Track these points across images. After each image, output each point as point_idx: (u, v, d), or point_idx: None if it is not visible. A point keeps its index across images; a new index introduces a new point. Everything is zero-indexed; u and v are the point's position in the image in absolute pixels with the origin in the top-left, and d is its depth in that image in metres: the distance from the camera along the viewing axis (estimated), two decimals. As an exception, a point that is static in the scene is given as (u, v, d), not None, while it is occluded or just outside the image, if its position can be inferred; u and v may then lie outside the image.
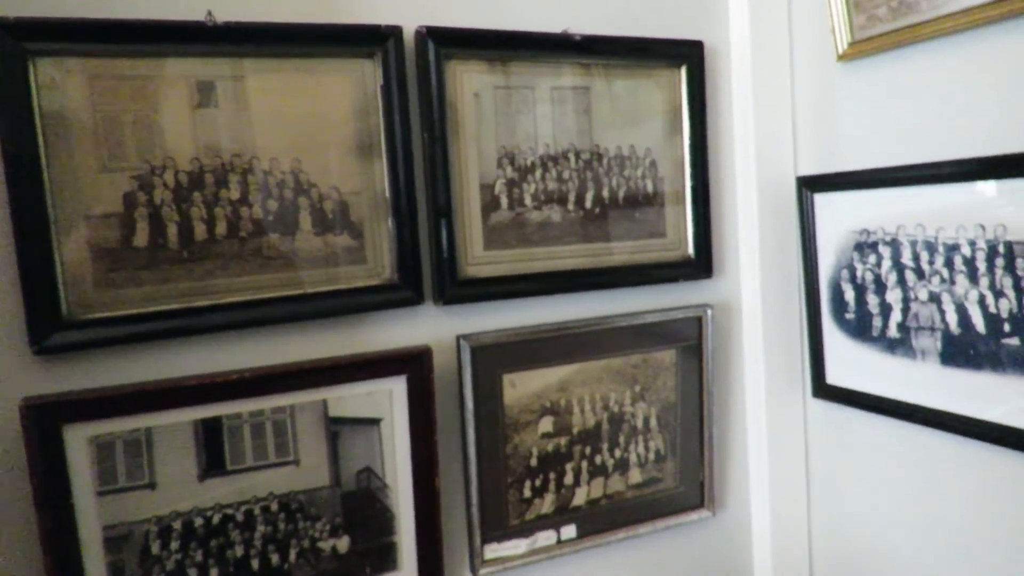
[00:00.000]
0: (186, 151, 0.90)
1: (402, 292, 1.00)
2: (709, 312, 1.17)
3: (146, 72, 0.88)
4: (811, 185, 1.14)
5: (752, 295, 1.21)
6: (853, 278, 1.09)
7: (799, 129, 1.18)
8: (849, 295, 1.10)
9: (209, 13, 0.89)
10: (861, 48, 1.06)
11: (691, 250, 1.18)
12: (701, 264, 1.19)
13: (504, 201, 1.06)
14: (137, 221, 0.89)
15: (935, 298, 0.96)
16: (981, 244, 0.90)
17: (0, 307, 0.83)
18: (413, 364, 0.99)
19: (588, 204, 1.11)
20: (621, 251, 1.14)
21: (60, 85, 0.84)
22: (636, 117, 1.13)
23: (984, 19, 0.91)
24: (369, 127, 0.98)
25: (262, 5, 0.92)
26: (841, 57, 1.09)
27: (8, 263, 0.82)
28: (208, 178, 0.91)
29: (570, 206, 1.10)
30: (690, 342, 1.17)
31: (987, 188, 0.89)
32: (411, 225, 1.00)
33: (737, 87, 1.19)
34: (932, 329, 0.97)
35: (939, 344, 0.96)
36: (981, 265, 0.90)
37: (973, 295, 0.91)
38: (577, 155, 1.10)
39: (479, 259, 1.05)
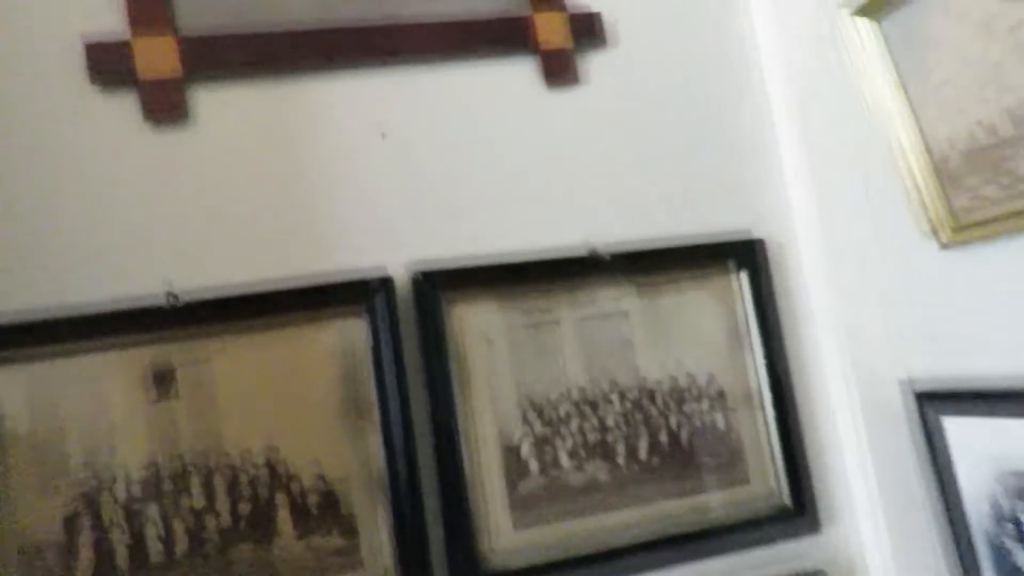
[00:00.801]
0: (140, 455, 0.84)
1: (408, 603, 0.87)
2: (823, 584, 0.98)
3: (94, 370, 0.84)
4: (936, 404, 0.97)
5: (879, 552, 1.02)
6: (1022, 537, 0.89)
7: (902, 332, 1.04)
8: (1023, 559, 0.90)
9: (169, 293, 0.86)
10: (968, 235, 0.94)
11: (786, 497, 1.02)
12: (801, 515, 1.01)
13: (534, 465, 0.95)
14: (80, 549, 0.81)
15: None
16: None
17: None
18: None
19: (643, 454, 0.98)
20: (693, 510, 0.98)
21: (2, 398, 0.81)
22: (691, 338, 1.02)
23: None
24: (358, 396, 0.90)
25: (226, 270, 0.88)
26: (944, 245, 0.97)
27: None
28: (166, 485, 0.84)
29: (620, 460, 0.97)
30: (803, 630, 0.97)
31: None
32: (416, 512, 0.89)
33: (814, 287, 1.07)
34: None
35: None
36: None
37: None
38: (622, 395, 0.99)
39: (508, 545, 0.92)
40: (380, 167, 0.95)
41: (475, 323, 0.94)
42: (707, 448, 0.98)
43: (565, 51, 1.03)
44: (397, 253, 0.93)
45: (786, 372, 1.02)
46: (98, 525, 0.81)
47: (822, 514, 1.01)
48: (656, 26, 1.07)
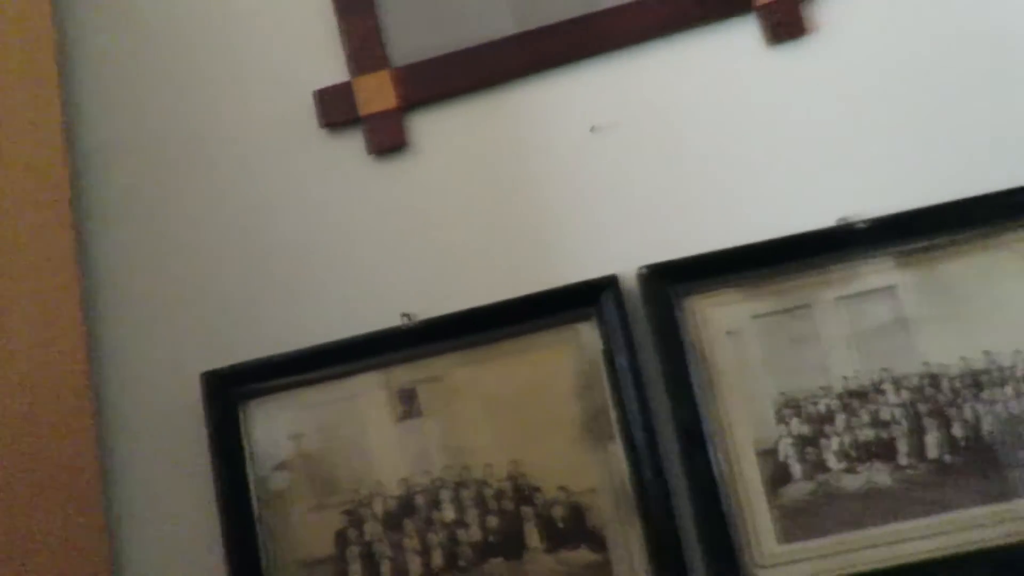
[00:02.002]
0: (394, 472, 1.06)
1: (670, 621, 1.00)
2: None
3: (346, 392, 1.11)
4: None
5: None
6: None
7: None
8: None
9: (406, 315, 1.12)
10: None
11: None
12: None
13: (796, 468, 1.03)
14: (349, 563, 1.07)
15: None
16: None
17: None
18: None
19: (932, 452, 1.01)
20: (1006, 518, 1.01)
21: (268, 425, 1.11)
22: (985, 310, 1.04)
23: None
24: (596, 404, 1.06)
25: (461, 293, 1.10)
26: None
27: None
28: (419, 500, 1.07)
29: (902, 459, 1.02)
30: None
31: None
32: (668, 525, 1.01)
33: None
34: None
35: None
36: None
37: None
38: (897, 384, 1.04)
39: (773, 559, 1.00)
40: (596, 166, 1.11)
41: (714, 315, 1.06)
42: (1020, 442, 1.01)
43: (787, 1, 1.14)
44: (627, 254, 1.06)
45: None
46: (362, 540, 1.06)
47: None
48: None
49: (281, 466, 1.02)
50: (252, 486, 1.02)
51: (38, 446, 0.93)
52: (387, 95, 1.08)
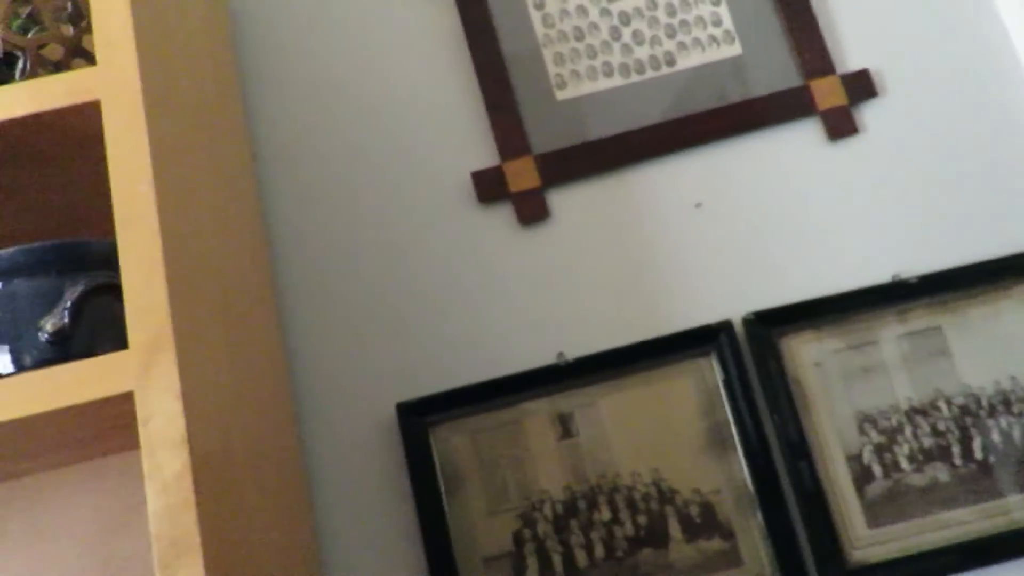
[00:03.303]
0: (558, 482, 1.38)
1: (789, 592, 1.33)
2: None
3: (514, 417, 1.42)
4: None
5: None
6: None
7: None
8: None
9: (560, 354, 1.44)
10: None
11: None
12: None
13: (877, 470, 1.39)
14: (527, 557, 1.37)
15: None
16: None
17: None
18: (820, 674, 1.30)
19: (978, 455, 1.40)
20: (1036, 502, 1.37)
21: (452, 446, 1.41)
22: (1008, 344, 1.44)
23: None
24: (717, 422, 1.40)
25: (601, 336, 1.45)
26: None
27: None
28: (580, 504, 1.38)
29: (956, 460, 1.39)
30: None
31: None
32: (782, 516, 1.36)
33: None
34: None
35: None
36: None
37: None
38: (948, 402, 1.42)
39: (864, 541, 1.36)
40: (704, 233, 1.47)
41: (803, 351, 1.42)
42: (1041, 444, 1.38)
43: (842, 108, 1.53)
44: (731, 303, 1.42)
45: (1110, 368, 1.39)
46: (536, 538, 1.36)
47: None
48: (922, 68, 1.46)
49: (464, 479, 1.29)
50: (442, 495, 1.28)
51: (258, 470, 1.13)
52: (531, 176, 1.40)
